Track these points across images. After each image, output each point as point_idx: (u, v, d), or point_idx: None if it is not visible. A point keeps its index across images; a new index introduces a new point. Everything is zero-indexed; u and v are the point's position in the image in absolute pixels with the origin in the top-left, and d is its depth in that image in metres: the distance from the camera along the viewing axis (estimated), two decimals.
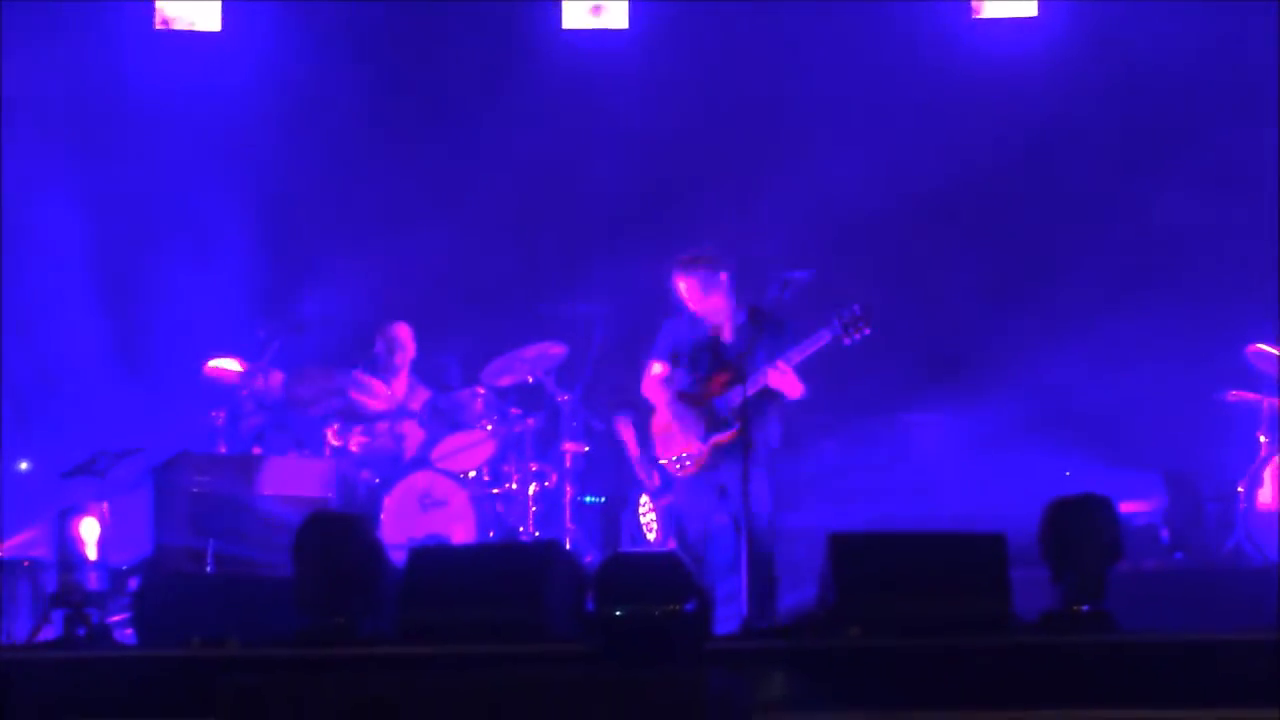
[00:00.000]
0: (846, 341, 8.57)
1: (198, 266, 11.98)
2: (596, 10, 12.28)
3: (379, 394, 10.77)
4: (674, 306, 9.02)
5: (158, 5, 12.35)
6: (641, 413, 9.30)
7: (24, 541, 10.40)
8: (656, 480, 9.36)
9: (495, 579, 7.19)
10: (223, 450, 10.48)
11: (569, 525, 10.40)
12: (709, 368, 8.86)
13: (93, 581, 8.74)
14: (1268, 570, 8.76)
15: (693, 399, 8.85)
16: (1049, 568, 7.12)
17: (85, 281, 12.05)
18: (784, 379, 8.59)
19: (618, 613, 6.82)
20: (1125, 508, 9.28)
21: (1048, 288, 11.58)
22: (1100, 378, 11.22)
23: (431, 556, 7.77)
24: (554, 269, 11.91)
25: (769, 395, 8.68)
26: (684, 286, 8.93)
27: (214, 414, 10.59)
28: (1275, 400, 10.20)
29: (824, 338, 8.59)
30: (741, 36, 12.24)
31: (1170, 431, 11.04)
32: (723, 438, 8.65)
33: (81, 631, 8.29)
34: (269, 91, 12.34)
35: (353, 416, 10.70)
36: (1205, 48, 11.57)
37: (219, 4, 12.37)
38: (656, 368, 8.99)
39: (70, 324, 11.96)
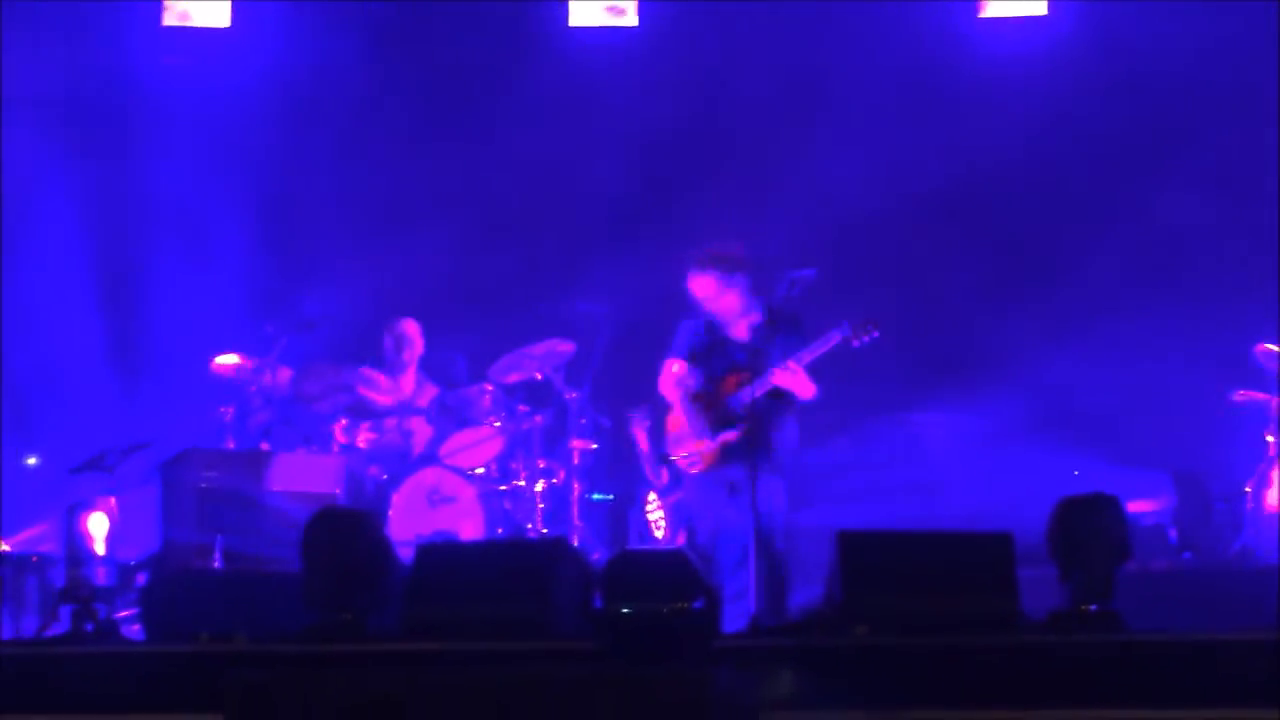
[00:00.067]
0: (856, 343, 8.56)
1: (204, 263, 11.99)
2: (617, 11, 12.26)
3: (387, 390, 10.78)
4: (690, 306, 9.01)
5: (166, 2, 12.34)
6: (657, 410, 9.30)
7: (32, 537, 10.41)
8: (665, 478, 9.37)
9: (502, 576, 7.20)
10: (231, 446, 10.48)
11: (576, 522, 10.40)
12: (723, 367, 8.86)
13: (101, 577, 8.76)
14: (1275, 571, 8.74)
15: (706, 398, 8.85)
16: (1057, 567, 7.12)
17: (90, 279, 12.06)
18: (795, 379, 8.59)
19: (625, 610, 6.83)
20: (1133, 507, 9.26)
21: (1056, 286, 11.57)
22: (1108, 377, 11.21)
23: (439, 553, 7.78)
24: (561, 266, 11.91)
25: (782, 397, 8.67)
26: (699, 286, 8.93)
27: (222, 410, 10.59)
28: None
29: (834, 339, 8.58)
30: (747, 35, 12.23)
31: (1178, 431, 11.03)
32: (732, 436, 8.64)
33: (89, 627, 8.31)
34: (275, 88, 12.34)
35: (361, 413, 10.71)
36: (1210, 48, 11.55)
37: (229, 1, 12.36)
38: (675, 367, 8.99)
39: (73, 322, 11.97)
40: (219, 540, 9.61)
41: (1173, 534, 10.35)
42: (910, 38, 12.14)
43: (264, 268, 12.06)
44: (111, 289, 12.11)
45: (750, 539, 8.17)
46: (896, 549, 7.12)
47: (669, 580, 6.98)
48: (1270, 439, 10.17)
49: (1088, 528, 7.07)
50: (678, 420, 8.95)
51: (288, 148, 12.30)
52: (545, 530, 10.36)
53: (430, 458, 10.66)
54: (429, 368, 11.17)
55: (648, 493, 9.94)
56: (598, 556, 9.72)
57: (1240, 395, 10.36)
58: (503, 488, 10.55)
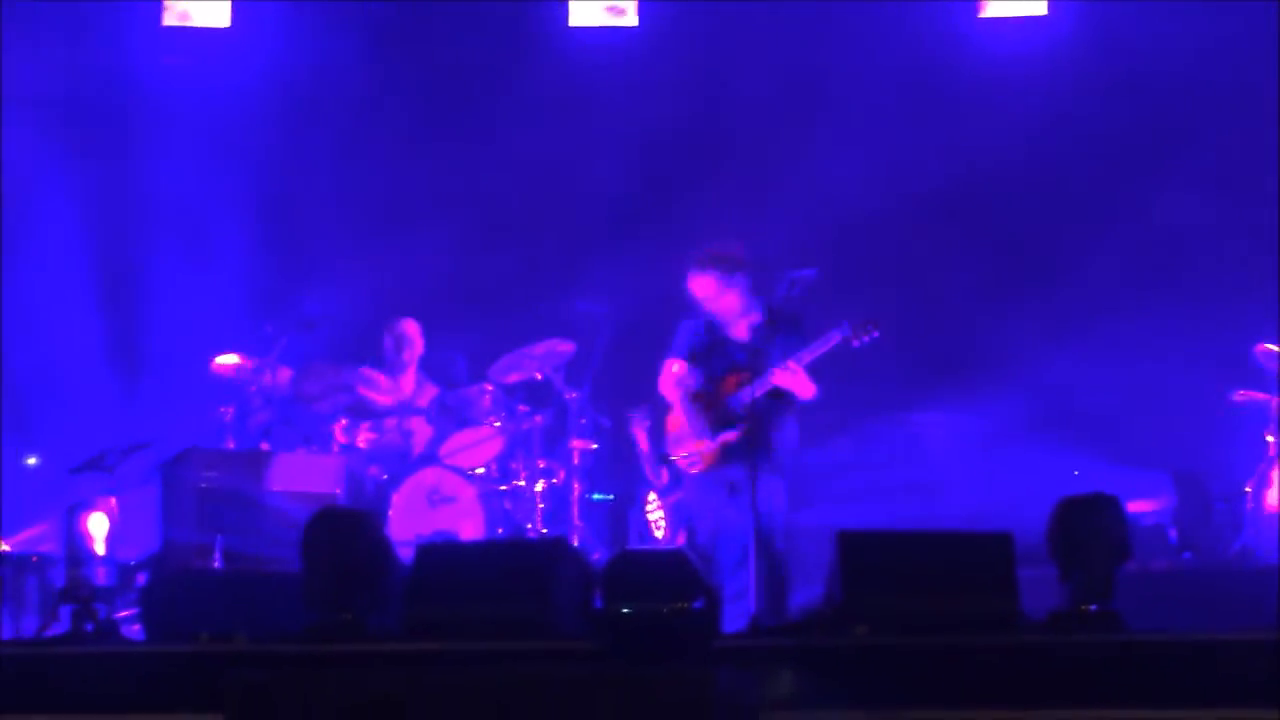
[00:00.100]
0: (856, 343, 8.56)
1: (204, 263, 11.98)
2: (617, 11, 12.26)
3: (387, 390, 10.78)
4: (690, 306, 9.01)
5: (166, 2, 12.34)
6: (657, 410, 9.30)
7: (32, 537, 10.41)
8: (665, 478, 9.37)
9: (503, 576, 7.20)
10: (231, 446, 10.48)
11: (577, 522, 10.40)
12: (723, 367, 8.86)
13: (101, 577, 8.76)
14: (1275, 571, 8.74)
15: (706, 398, 8.84)
16: (1057, 567, 7.12)
17: (91, 278, 12.06)
18: (794, 379, 8.58)
19: (625, 610, 6.83)
20: (1133, 507, 9.26)
21: (1056, 286, 11.57)
22: (1109, 377, 11.21)
23: (439, 553, 7.78)
24: (561, 266, 11.90)
25: (783, 397, 8.67)
26: (699, 286, 8.92)
27: (222, 410, 10.59)
28: None
29: (834, 339, 8.57)
30: (747, 35, 12.22)
31: (1179, 431, 11.03)
32: (732, 436, 8.64)
33: (89, 627, 8.31)
34: (276, 88, 12.35)
35: (361, 412, 10.71)
36: (1210, 48, 11.55)
37: (229, 1, 12.36)
38: (675, 367, 8.98)
39: (73, 322, 11.96)
40: (219, 540, 9.61)
41: (1173, 534, 10.35)
42: (910, 38, 12.14)
43: (264, 267, 12.06)
44: (112, 288, 12.11)
45: (750, 539, 8.17)
46: (897, 549, 7.12)
47: (669, 580, 6.98)
48: (1270, 439, 10.17)
49: (1088, 528, 7.07)
50: (678, 420, 8.95)
51: (288, 147, 12.30)
52: (545, 530, 10.36)
53: (430, 458, 10.66)
54: (429, 368, 11.17)
55: (648, 493, 9.94)
56: (598, 556, 9.72)
57: (1240, 395, 10.37)
58: (503, 488, 10.55)
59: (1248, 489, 10.13)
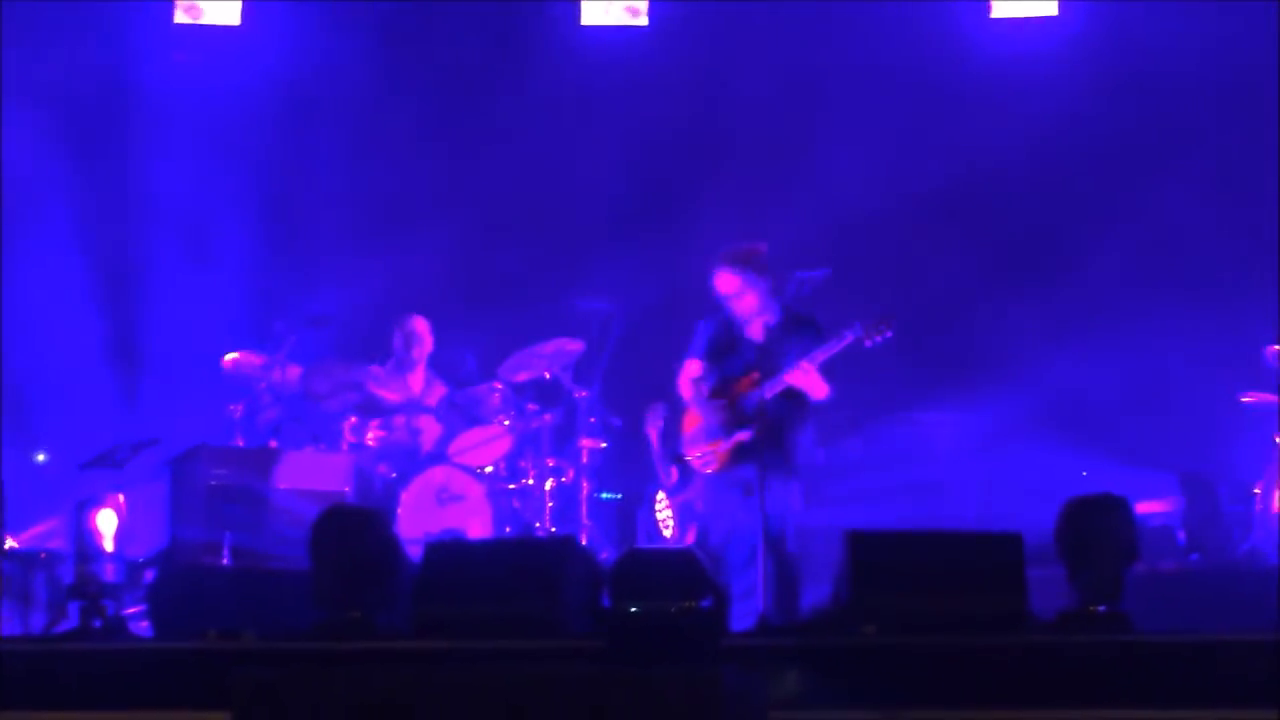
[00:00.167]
0: (868, 343, 8.55)
1: (210, 262, 11.99)
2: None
3: (396, 388, 10.78)
4: (710, 304, 8.99)
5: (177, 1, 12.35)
6: (674, 409, 9.30)
7: (41, 533, 10.43)
8: (674, 477, 9.37)
9: (511, 574, 7.19)
10: (240, 443, 10.49)
11: (585, 521, 10.41)
12: (738, 367, 8.85)
13: (109, 573, 8.78)
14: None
15: (721, 397, 8.84)
16: (1065, 567, 7.10)
17: (99, 276, 12.07)
18: (807, 379, 8.58)
19: (633, 609, 6.82)
20: (1142, 508, 9.26)
21: (1064, 286, 11.57)
22: (1117, 378, 11.21)
23: (447, 551, 7.76)
24: (570, 265, 11.91)
25: (797, 397, 8.66)
26: (724, 282, 8.90)
27: (231, 407, 10.60)
28: None
29: (847, 339, 8.56)
30: (756, 35, 12.23)
31: (1187, 432, 11.03)
32: (746, 436, 8.63)
33: (97, 623, 8.31)
34: (286, 86, 12.36)
35: (370, 410, 10.71)
36: (1221, 49, 11.54)
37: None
38: (693, 366, 8.98)
39: (79, 321, 11.97)
40: (227, 537, 9.62)
41: (1181, 535, 10.34)
42: (920, 38, 12.13)
43: (273, 265, 12.08)
44: (120, 286, 12.12)
45: (759, 538, 8.17)
46: (905, 549, 7.11)
47: (677, 579, 6.96)
48: (1279, 440, 10.16)
49: (1096, 528, 7.05)
50: (693, 419, 8.96)
51: (296, 145, 12.32)
52: (554, 529, 10.37)
53: (439, 456, 10.66)
54: (438, 366, 11.18)
55: (656, 492, 9.94)
56: (606, 555, 9.72)
57: (1249, 397, 10.35)
58: (511, 486, 10.55)
59: (1256, 490, 10.12)
